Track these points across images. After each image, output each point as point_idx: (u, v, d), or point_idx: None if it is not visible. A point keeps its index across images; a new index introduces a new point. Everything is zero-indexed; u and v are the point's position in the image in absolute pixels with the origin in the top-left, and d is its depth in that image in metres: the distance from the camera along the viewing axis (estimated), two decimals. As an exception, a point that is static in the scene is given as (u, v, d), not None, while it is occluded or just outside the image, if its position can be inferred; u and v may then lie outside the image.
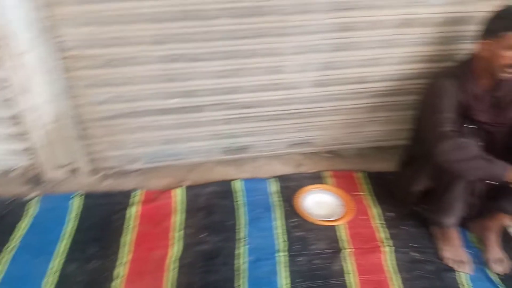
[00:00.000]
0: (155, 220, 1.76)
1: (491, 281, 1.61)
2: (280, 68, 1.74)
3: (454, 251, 1.68)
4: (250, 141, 2.02)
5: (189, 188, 1.91)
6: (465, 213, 1.70)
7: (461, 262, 1.65)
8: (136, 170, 1.99)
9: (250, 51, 1.66)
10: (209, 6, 1.52)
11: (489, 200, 1.69)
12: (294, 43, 1.65)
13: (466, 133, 1.59)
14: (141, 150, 1.93)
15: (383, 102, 1.94)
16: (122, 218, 1.75)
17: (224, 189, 1.93)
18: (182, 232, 1.71)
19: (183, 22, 1.56)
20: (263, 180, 2.00)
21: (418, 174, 1.66)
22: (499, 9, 1.44)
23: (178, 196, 1.87)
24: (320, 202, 1.89)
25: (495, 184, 1.45)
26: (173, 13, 1.53)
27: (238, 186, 1.95)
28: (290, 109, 1.90)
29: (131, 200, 1.84)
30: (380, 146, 2.18)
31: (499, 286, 1.59)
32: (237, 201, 1.87)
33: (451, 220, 1.63)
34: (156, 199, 1.85)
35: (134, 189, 1.90)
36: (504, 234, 1.79)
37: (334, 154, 2.18)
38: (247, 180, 1.98)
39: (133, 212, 1.78)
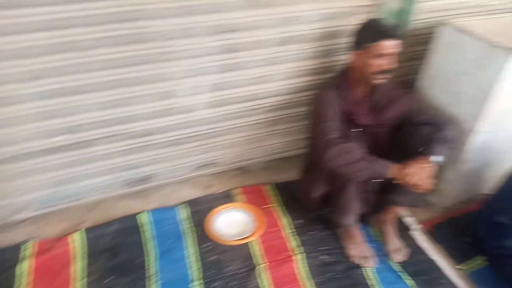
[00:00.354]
0: (52, 272, 1.59)
1: (393, 270, 1.74)
2: (172, 93, 1.70)
3: (358, 248, 1.78)
4: (153, 170, 1.94)
5: (89, 230, 1.77)
6: (363, 210, 1.82)
7: (365, 257, 1.76)
8: (26, 220, 1.79)
9: (137, 79, 1.60)
10: (84, 36, 1.43)
11: (382, 195, 1.84)
12: (181, 67, 1.63)
13: (353, 137, 1.71)
14: (28, 197, 1.74)
15: (279, 115, 2.00)
16: (12, 276, 1.55)
17: (129, 225, 1.82)
18: (85, 280, 1.57)
19: (58, 55, 1.44)
20: (171, 208, 1.93)
21: (315, 180, 1.74)
22: (364, 22, 1.59)
23: (77, 241, 1.72)
24: (231, 221, 1.88)
25: (386, 180, 1.57)
26: (45, 46, 1.41)
27: (144, 219, 1.85)
28: (190, 132, 1.87)
29: (21, 255, 1.64)
30: (284, 157, 2.25)
31: (400, 273, 1.73)
32: (144, 236, 1.77)
33: (350, 219, 1.73)
34: (52, 248, 1.68)
35: (25, 241, 1.70)
36: (401, 223, 1.96)
37: (242, 170, 2.20)
38: (154, 211, 1.90)
39: (25, 267, 1.59)
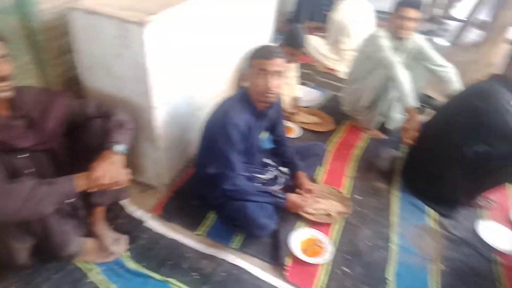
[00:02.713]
0: None
1: (131, 271, 1.63)
2: None
3: (97, 247, 1.64)
4: None
5: None
6: (83, 227, 1.61)
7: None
8: None
9: None
10: None
11: (86, 201, 1.64)
12: None
13: (21, 167, 1.39)
14: None
15: None
16: None
17: None
18: None
19: None
20: None
21: (6, 242, 1.37)
22: None
23: None
24: None
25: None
26: None
27: None
28: None
29: None
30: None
31: (143, 270, 1.63)
32: None
33: (76, 243, 1.52)
34: None
35: None
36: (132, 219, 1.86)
37: None
38: None
39: None
